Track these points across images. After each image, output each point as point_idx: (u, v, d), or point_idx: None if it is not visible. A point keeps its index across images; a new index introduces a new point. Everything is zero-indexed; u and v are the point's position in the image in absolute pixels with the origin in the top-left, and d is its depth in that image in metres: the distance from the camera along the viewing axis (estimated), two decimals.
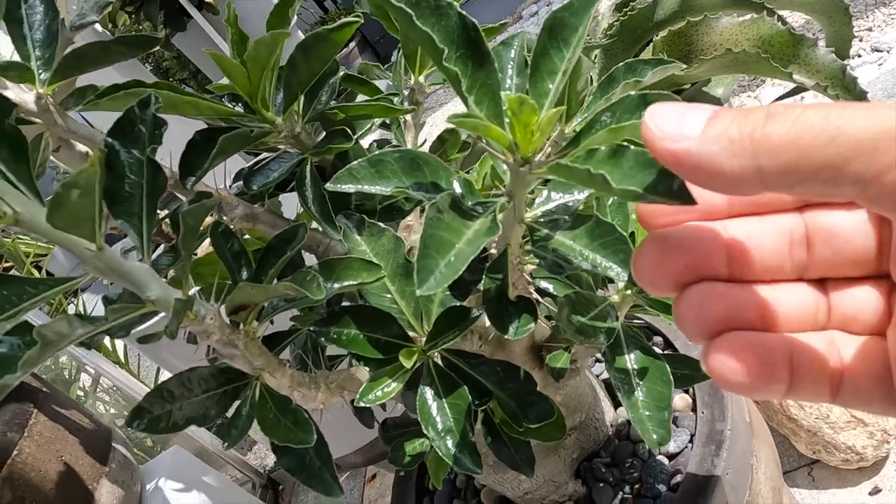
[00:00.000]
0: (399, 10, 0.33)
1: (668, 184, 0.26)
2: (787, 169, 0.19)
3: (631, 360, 0.53)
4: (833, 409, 0.98)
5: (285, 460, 0.46)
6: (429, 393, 0.51)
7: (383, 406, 0.56)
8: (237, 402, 0.46)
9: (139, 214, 0.42)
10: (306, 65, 0.51)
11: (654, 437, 0.51)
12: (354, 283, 0.48)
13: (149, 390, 0.43)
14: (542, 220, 0.44)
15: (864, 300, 0.24)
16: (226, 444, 0.44)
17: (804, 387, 0.23)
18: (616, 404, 0.83)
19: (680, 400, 0.79)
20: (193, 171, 0.50)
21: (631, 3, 1.00)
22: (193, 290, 0.44)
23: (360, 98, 0.61)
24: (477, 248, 0.37)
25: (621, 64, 0.53)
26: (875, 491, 1.00)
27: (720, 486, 0.65)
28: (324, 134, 0.56)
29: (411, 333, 0.53)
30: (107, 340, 1.87)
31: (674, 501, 0.66)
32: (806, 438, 1.01)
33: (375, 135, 0.71)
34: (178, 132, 0.58)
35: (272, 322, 0.66)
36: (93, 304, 1.92)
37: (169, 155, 0.55)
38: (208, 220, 0.59)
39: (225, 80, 0.55)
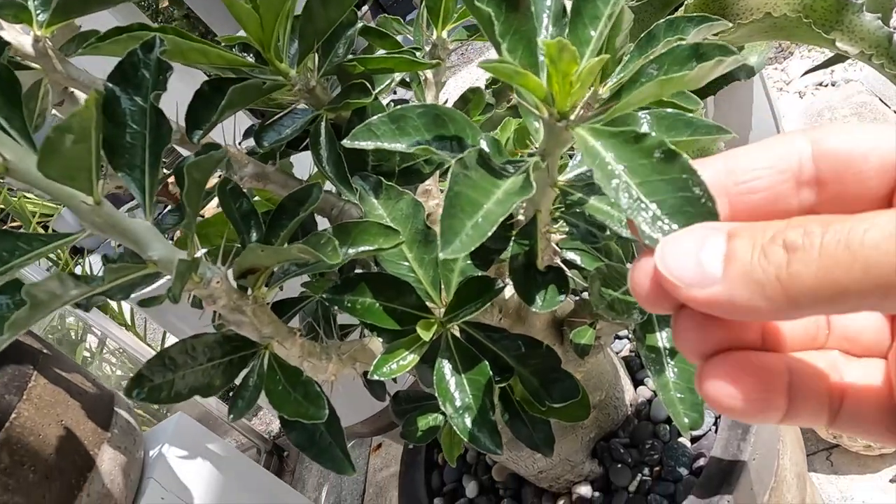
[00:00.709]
0: None
1: None
2: (825, 305, 0.18)
3: (662, 338, 0.50)
4: None
5: (294, 435, 0.43)
6: (447, 367, 0.48)
7: (394, 378, 0.54)
8: (244, 372, 0.43)
9: (141, 167, 0.39)
10: (324, 12, 0.48)
11: (686, 420, 0.48)
12: (371, 248, 0.45)
13: (152, 355, 0.40)
14: (576, 183, 0.41)
15: (866, 321, 0.24)
16: (231, 415, 0.42)
17: (802, 413, 0.22)
18: (636, 383, 0.80)
19: None
20: (200, 123, 0.46)
21: None
22: (200, 252, 0.41)
23: (380, 53, 0.57)
24: (507, 209, 0.33)
25: (662, 20, 0.49)
26: None
27: (746, 471, 0.62)
28: (340, 89, 0.52)
29: (429, 304, 0.50)
30: (113, 302, 1.85)
31: (696, 486, 0.63)
32: None
33: (393, 94, 0.67)
34: (184, 86, 0.54)
35: (281, 288, 0.63)
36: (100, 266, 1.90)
37: (175, 108, 0.52)
38: (215, 178, 0.55)
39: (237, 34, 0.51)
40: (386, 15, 0.63)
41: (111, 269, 0.33)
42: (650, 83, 0.33)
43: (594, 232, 0.43)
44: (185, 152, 0.61)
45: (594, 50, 0.39)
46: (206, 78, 0.51)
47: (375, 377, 0.46)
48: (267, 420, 2.02)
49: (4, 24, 0.47)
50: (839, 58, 0.90)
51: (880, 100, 1.55)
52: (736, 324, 0.22)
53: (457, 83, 2.76)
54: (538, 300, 0.42)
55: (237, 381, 0.44)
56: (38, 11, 0.47)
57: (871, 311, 0.21)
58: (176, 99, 0.52)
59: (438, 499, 0.83)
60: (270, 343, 0.44)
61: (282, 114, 0.52)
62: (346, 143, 0.40)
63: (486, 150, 0.40)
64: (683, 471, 0.69)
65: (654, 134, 0.26)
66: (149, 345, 1.76)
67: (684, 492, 0.67)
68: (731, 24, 0.48)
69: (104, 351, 2.03)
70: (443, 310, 0.50)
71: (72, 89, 0.55)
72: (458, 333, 0.50)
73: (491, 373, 0.47)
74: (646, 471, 0.71)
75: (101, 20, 0.53)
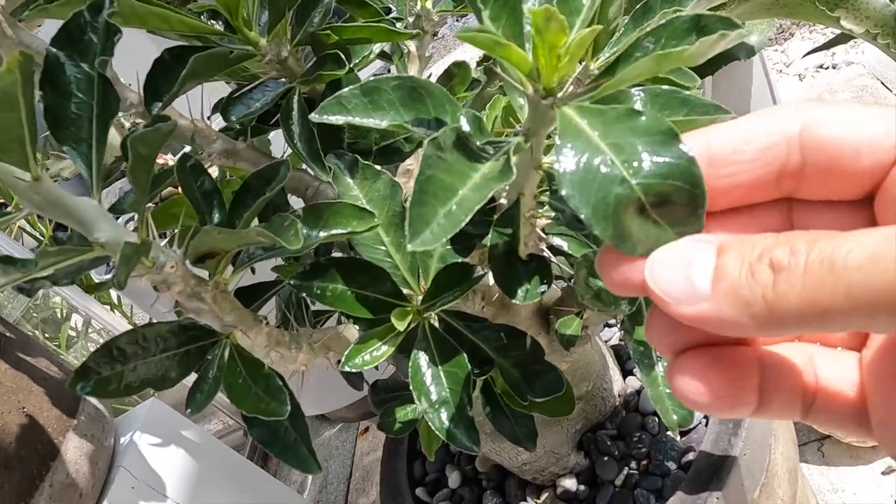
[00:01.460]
0: None
1: None
2: (812, 324, 0.18)
3: None
4: None
5: (256, 431, 0.40)
6: (423, 359, 0.45)
7: (376, 366, 0.51)
8: (204, 364, 0.40)
9: (88, 141, 0.36)
10: None
11: (675, 417, 0.46)
12: (343, 231, 0.42)
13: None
14: None
15: None
16: (189, 410, 0.39)
17: (773, 408, 0.22)
18: (625, 373, 0.77)
19: None
20: (160, 95, 0.43)
21: None
22: (155, 235, 0.38)
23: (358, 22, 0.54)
24: (485, 195, 0.30)
25: None
26: (889, 471, 0.95)
27: (736, 467, 0.60)
28: (315, 60, 0.49)
29: (406, 291, 0.47)
30: None
31: (684, 481, 0.61)
32: None
33: (374, 68, 0.64)
34: (149, 54, 0.51)
35: (253, 272, 0.60)
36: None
37: (136, 77, 0.49)
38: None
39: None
40: None
41: (44, 252, 0.30)
42: (646, 58, 0.30)
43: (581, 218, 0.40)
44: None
45: (585, 20, 0.36)
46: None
47: (346, 369, 0.44)
48: None
49: None
50: (843, 38, 0.87)
51: (882, 83, 1.52)
52: None
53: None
54: (520, 293, 0.39)
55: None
56: None
57: (862, 331, 0.21)
58: (137, 62, 0.49)
59: (421, 489, 0.80)
60: (233, 332, 0.41)
61: (251, 86, 0.49)
62: (313, 117, 0.37)
63: (466, 128, 0.37)
64: (672, 465, 0.66)
65: (647, 112, 0.22)
66: (134, 325, 1.72)
67: (672, 487, 0.65)
68: None
69: (90, 331, 2.00)
70: (420, 298, 0.47)
71: None
72: (436, 323, 0.47)
73: (469, 365, 0.44)
74: (633, 464, 0.68)
75: None
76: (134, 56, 0.57)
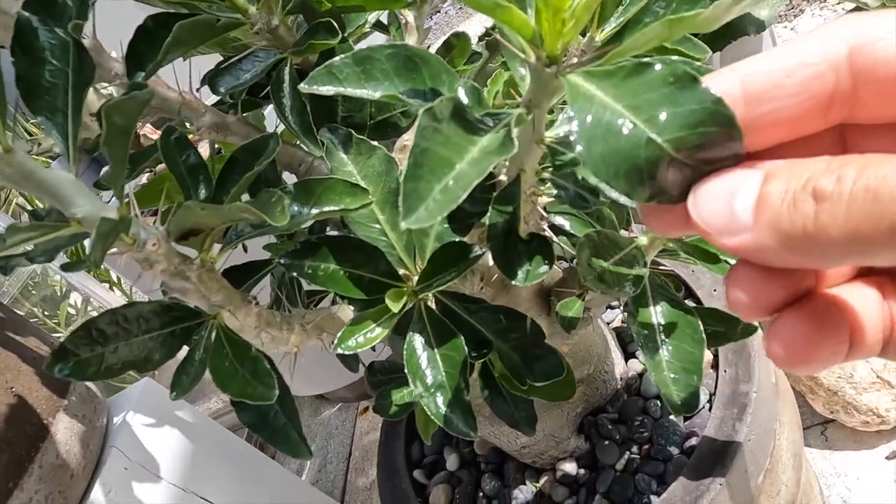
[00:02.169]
0: None
1: None
2: (856, 257, 0.18)
3: (657, 314, 0.46)
4: (857, 368, 0.91)
5: (245, 415, 0.39)
6: (418, 341, 0.43)
7: (373, 347, 0.50)
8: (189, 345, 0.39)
9: (63, 110, 0.34)
10: None
11: (680, 402, 0.44)
12: (336, 208, 0.40)
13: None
14: (566, 140, 0.36)
15: None
16: (174, 393, 0.37)
17: (861, 351, 0.21)
18: (627, 356, 0.76)
19: None
20: (143, 64, 0.41)
21: None
22: (136, 210, 0.36)
23: None
24: (483, 170, 0.28)
25: None
26: (893, 455, 0.94)
27: (740, 452, 0.59)
28: (307, 29, 0.47)
29: (402, 271, 0.46)
30: None
31: (687, 467, 0.60)
32: (825, 397, 0.95)
33: (370, 40, 0.62)
34: (137, 22, 0.49)
35: (245, 250, 0.58)
36: None
37: (121, 46, 0.47)
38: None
39: None
40: None
41: (16, 228, 0.29)
42: (656, 24, 0.28)
43: (585, 196, 0.38)
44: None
45: None
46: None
47: (339, 351, 0.42)
48: None
49: None
50: (857, 11, 0.84)
51: None
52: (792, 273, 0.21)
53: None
54: (520, 274, 0.38)
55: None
56: None
57: None
58: (122, 30, 0.47)
59: (418, 471, 0.79)
60: (220, 313, 0.40)
61: (240, 56, 0.47)
62: (303, 87, 0.35)
63: (464, 99, 0.35)
64: (674, 450, 0.65)
65: (657, 60, 0.21)
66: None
67: (674, 472, 0.63)
68: None
69: (89, 309, 1.99)
70: (416, 278, 0.45)
71: None
72: (432, 304, 0.46)
73: (466, 348, 0.43)
74: (634, 448, 0.67)
75: None
76: (122, 24, 0.55)
